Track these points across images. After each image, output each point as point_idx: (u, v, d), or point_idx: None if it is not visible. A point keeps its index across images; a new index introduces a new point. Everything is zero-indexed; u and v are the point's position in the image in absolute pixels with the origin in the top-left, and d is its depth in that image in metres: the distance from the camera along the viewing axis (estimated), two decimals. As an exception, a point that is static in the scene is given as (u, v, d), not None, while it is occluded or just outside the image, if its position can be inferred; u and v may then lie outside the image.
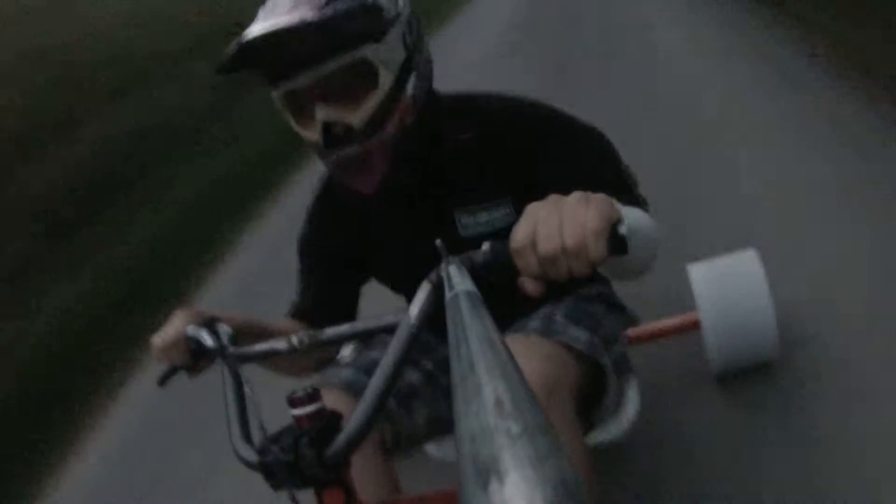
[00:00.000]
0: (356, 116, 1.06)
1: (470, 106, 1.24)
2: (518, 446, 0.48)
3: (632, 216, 0.89)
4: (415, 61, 1.12)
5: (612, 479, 1.66)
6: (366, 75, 1.06)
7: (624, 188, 1.14)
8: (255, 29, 1.01)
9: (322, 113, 1.06)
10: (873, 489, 1.49)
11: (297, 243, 1.41)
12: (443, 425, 1.42)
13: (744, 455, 1.67)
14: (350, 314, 1.41)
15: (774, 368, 1.86)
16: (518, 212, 1.08)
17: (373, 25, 1.05)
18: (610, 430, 1.42)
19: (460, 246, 0.94)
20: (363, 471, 1.17)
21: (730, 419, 1.80)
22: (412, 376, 1.39)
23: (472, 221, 1.23)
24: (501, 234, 1.00)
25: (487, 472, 0.46)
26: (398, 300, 1.45)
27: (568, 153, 1.18)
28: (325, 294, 1.39)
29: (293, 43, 1.02)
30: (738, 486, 1.60)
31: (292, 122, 1.12)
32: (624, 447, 1.47)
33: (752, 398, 1.82)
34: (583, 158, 1.18)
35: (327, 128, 1.06)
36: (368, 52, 1.04)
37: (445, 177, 1.23)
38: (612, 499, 1.57)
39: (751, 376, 1.85)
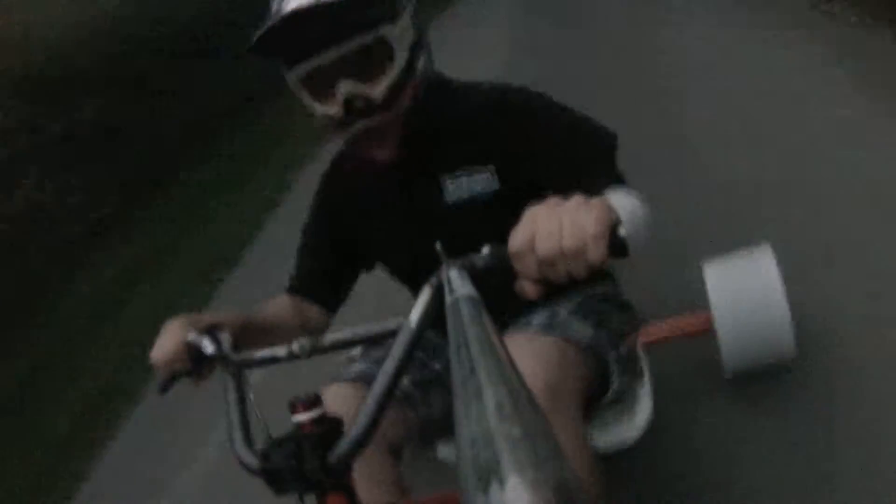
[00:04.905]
0: (376, 90, 1.15)
1: (469, 86, 1.33)
2: (519, 449, 0.48)
3: (629, 210, 0.91)
4: (423, 40, 1.23)
5: (621, 481, 1.64)
6: (383, 52, 1.15)
7: (609, 172, 1.18)
8: (283, 9, 1.09)
9: (344, 88, 1.14)
10: (890, 491, 1.47)
11: (304, 222, 1.48)
12: (451, 423, 1.42)
13: (758, 458, 1.66)
14: (340, 296, 1.47)
15: (789, 369, 1.83)
16: (500, 180, 1.25)
17: (389, 7, 1.15)
18: (622, 435, 1.40)
19: (447, 213, 1.22)
20: (368, 474, 1.17)
21: (743, 421, 1.78)
22: (421, 374, 1.42)
23: (456, 186, 1.29)
24: (480, 200, 1.25)
25: (488, 475, 0.47)
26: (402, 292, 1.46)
27: (557, 131, 1.23)
28: (319, 273, 1.45)
29: (317, 22, 1.10)
30: (752, 489, 1.59)
31: (309, 102, 1.19)
32: (635, 450, 1.45)
33: (766, 399, 1.80)
34: (571, 140, 1.23)
35: (349, 101, 1.14)
36: (385, 31, 1.13)
37: (438, 145, 1.28)
38: (619, 501, 1.56)
39: (764, 377, 1.82)
